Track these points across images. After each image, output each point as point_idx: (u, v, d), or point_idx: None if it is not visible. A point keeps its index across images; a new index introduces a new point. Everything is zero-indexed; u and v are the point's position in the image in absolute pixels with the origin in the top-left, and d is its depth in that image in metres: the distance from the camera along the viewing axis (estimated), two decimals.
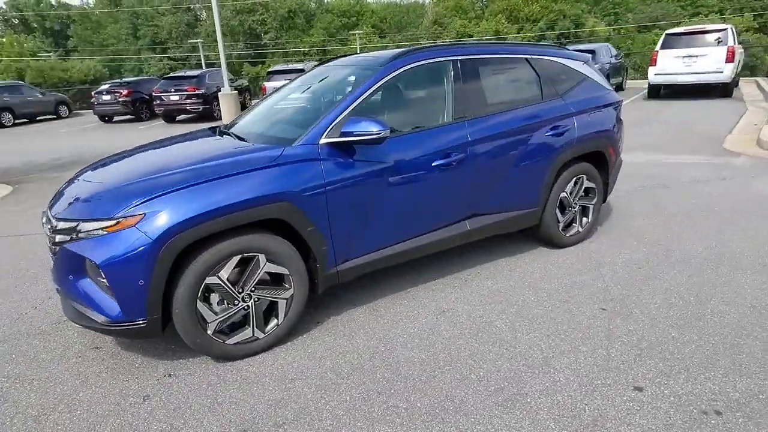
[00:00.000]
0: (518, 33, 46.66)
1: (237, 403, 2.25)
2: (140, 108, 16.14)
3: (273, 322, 2.66)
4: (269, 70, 16.75)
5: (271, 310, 2.66)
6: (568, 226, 3.88)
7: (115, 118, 16.99)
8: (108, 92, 16.19)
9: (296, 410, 2.19)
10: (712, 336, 2.61)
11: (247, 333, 2.58)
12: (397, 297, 3.23)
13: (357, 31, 44.74)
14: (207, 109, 15.03)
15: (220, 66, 14.66)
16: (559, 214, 3.76)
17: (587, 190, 3.93)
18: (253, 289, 2.54)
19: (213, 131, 3.41)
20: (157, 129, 14.37)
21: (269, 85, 14.92)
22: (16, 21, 77.15)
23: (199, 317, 2.41)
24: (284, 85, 3.85)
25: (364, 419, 2.12)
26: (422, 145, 2.98)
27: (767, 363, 2.36)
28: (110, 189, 2.44)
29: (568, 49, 4.12)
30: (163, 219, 2.23)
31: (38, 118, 19.04)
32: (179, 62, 58.05)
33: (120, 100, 15.92)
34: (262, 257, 2.51)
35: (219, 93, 14.42)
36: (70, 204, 2.47)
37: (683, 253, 3.67)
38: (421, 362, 2.51)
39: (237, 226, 2.41)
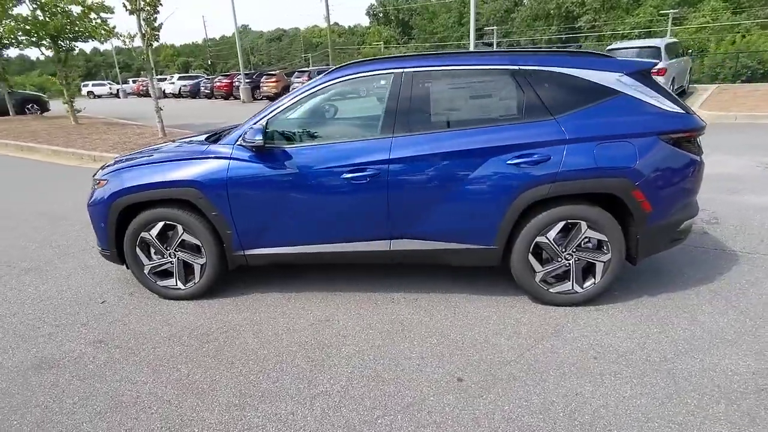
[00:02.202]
0: None
1: (124, 324, 3.13)
2: None
3: (192, 281, 3.39)
4: None
5: (192, 270, 3.39)
6: (558, 280, 3.10)
7: None
8: None
9: (133, 344, 2.90)
10: None
11: (172, 282, 3.40)
12: (318, 297, 3.41)
13: (670, 11, 36.99)
14: None
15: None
16: (534, 262, 3.06)
17: (599, 243, 3.00)
18: (176, 249, 3.32)
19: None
20: None
21: None
22: (381, 15, 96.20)
23: (139, 260, 3.37)
24: None
25: (150, 367, 2.66)
26: (333, 156, 3.04)
27: None
28: (113, 163, 3.59)
29: (601, 55, 3.10)
30: (111, 186, 3.24)
31: None
32: (490, 47, 61.00)
33: None
34: (179, 227, 3.25)
35: None
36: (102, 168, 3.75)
37: (700, 369, 2.47)
38: (242, 349, 2.80)
39: (160, 199, 3.21)
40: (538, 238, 3.00)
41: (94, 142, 10.60)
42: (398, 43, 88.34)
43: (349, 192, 3.04)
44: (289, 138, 3.21)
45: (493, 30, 48.56)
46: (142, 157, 3.47)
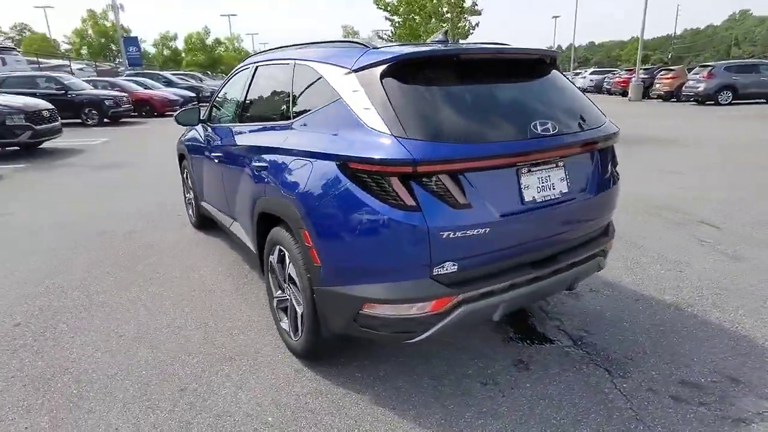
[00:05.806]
0: None
1: (153, 228, 4.76)
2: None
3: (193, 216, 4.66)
4: None
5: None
6: (285, 313, 2.59)
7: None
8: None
9: (135, 240, 4.46)
10: None
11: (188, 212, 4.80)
12: (234, 256, 4.00)
13: None
14: None
15: None
16: (272, 285, 2.65)
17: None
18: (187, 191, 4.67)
19: None
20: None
21: None
22: None
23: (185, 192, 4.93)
24: None
25: (104, 250, 4.15)
26: (216, 136, 3.54)
27: None
28: None
29: (360, 45, 2.07)
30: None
31: None
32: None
33: None
34: (185, 174, 4.56)
35: None
36: None
37: None
38: (146, 263, 3.87)
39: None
40: (271, 257, 2.58)
41: None
42: None
43: (217, 168, 3.47)
44: (212, 118, 3.86)
45: None
46: None
